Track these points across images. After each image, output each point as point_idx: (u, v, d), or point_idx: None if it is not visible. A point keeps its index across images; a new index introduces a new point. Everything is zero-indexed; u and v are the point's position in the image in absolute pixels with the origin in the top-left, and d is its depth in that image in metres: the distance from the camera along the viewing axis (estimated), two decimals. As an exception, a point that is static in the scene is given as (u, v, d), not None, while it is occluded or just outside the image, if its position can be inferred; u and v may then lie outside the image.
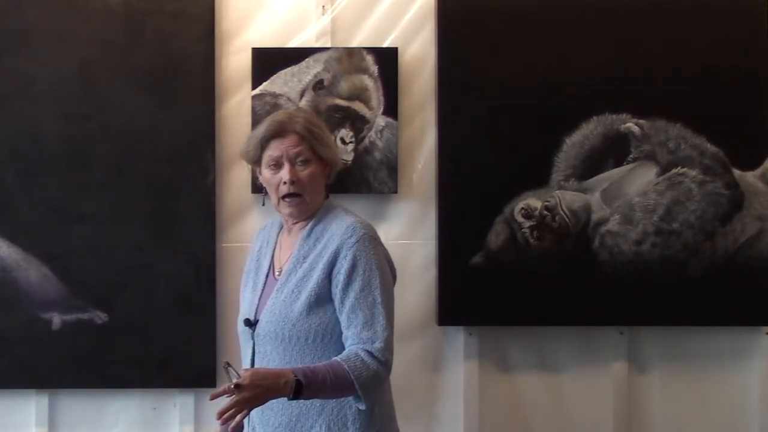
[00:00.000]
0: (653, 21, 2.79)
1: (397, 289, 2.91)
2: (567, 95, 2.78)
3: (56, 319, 2.77)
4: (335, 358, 2.00)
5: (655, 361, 2.89)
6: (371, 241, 2.08)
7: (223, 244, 2.82)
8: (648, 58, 2.78)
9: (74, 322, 2.76)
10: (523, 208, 2.78)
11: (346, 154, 2.78)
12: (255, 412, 2.04)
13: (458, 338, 2.86)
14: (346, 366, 1.95)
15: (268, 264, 2.20)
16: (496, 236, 2.79)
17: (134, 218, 2.77)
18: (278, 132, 2.09)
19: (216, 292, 2.78)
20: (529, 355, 2.87)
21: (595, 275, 2.78)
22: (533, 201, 2.79)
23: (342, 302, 2.03)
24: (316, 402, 2.04)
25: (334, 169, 2.19)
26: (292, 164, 2.08)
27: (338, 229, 2.08)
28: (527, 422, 2.87)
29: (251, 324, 2.13)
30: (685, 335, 2.87)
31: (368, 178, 2.81)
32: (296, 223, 2.17)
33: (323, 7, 2.84)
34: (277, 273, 2.17)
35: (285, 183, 2.08)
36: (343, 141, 2.78)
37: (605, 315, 2.81)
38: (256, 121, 2.77)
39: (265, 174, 2.13)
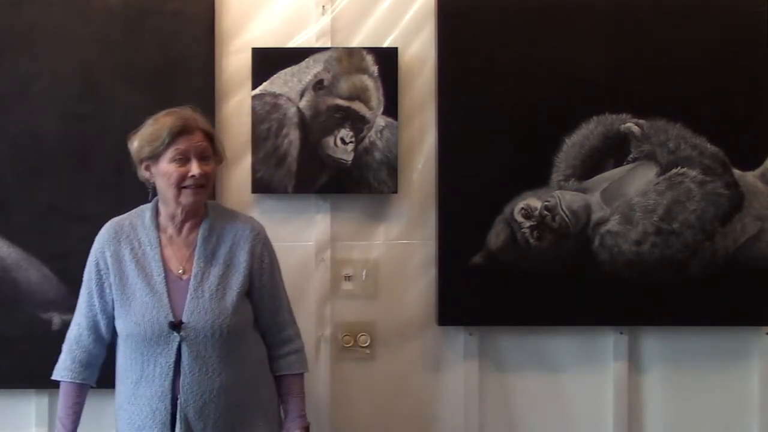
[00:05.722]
0: (653, 21, 2.79)
1: (398, 289, 2.90)
2: (567, 95, 2.78)
3: (56, 319, 2.76)
4: (288, 373, 2.34)
5: (655, 361, 2.89)
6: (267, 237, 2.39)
7: (223, 244, 2.82)
8: (648, 58, 2.78)
9: (74, 322, 2.76)
10: (523, 208, 2.78)
11: (346, 154, 2.78)
12: (193, 410, 2.17)
13: (458, 338, 2.85)
14: (302, 371, 2.37)
15: (159, 266, 2.23)
16: (496, 236, 2.78)
17: (134, 218, 2.77)
18: (185, 128, 2.20)
19: (216, 292, 2.78)
20: (528, 355, 2.87)
21: (595, 275, 2.78)
22: (533, 201, 2.79)
23: (269, 294, 2.32)
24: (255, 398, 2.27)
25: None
26: (199, 159, 2.21)
27: (242, 227, 2.30)
28: (527, 422, 2.87)
29: (176, 326, 2.17)
30: (685, 335, 2.87)
31: (368, 178, 2.80)
32: (186, 222, 2.26)
33: (323, 7, 2.84)
34: (180, 273, 2.23)
35: (194, 176, 2.19)
36: (343, 141, 2.77)
37: (605, 315, 2.82)
38: (256, 121, 2.77)
39: (168, 168, 2.20)
